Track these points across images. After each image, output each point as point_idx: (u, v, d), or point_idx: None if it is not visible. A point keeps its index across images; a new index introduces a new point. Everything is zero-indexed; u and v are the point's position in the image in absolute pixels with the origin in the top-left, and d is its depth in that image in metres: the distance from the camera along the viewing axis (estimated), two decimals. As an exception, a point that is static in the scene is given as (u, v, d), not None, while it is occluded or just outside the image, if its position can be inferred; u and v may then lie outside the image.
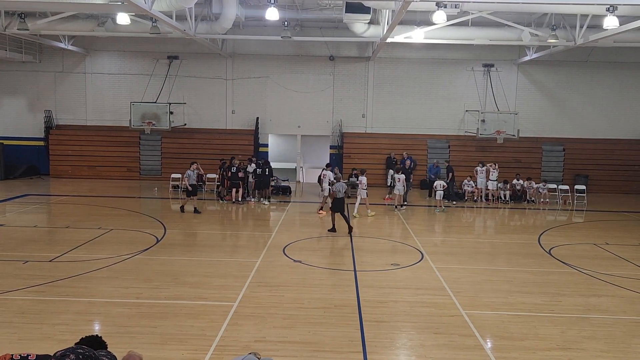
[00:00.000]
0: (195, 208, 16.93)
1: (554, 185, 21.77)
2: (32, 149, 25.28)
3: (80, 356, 3.37)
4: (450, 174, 20.46)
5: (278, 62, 24.80)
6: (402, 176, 18.52)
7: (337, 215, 14.53)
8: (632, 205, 20.78)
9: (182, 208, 17.21)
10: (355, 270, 10.76)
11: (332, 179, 17.47)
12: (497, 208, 19.76)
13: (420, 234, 14.78)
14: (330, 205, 15.21)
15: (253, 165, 19.76)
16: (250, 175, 19.58)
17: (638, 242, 14.17)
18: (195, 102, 25.02)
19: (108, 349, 3.69)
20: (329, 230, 14.51)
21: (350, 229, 14.32)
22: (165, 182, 22.76)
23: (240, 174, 19.03)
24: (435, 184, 19.20)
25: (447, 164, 21.15)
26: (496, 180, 20.53)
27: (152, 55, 24.70)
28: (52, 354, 3.48)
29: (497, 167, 20.83)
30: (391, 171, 20.52)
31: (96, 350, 3.53)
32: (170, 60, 24.72)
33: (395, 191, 18.57)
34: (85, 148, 24.56)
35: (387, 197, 20.29)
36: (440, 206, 18.54)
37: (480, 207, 19.52)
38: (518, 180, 21.17)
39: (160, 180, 23.83)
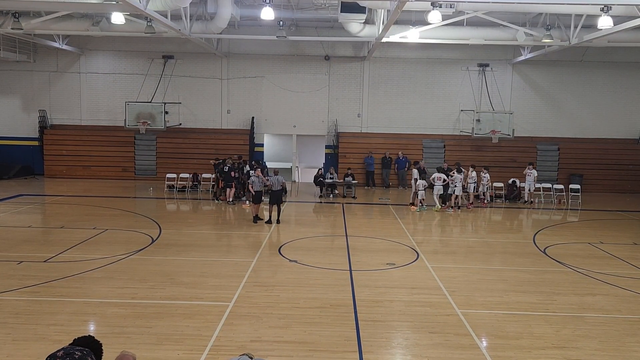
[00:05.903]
0: (256, 215, 15.76)
1: (548, 185, 21.84)
2: (26, 149, 25.15)
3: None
4: (460, 176, 19.82)
5: (273, 62, 24.77)
6: (456, 176, 18.44)
7: (273, 207, 15.78)
8: (626, 204, 20.86)
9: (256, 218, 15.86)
10: (350, 270, 10.76)
11: (417, 176, 18.94)
12: (492, 208, 19.81)
13: (415, 233, 14.81)
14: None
15: (247, 167, 19.72)
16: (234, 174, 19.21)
17: (632, 241, 14.24)
18: (190, 101, 24.96)
19: (102, 349, 3.66)
20: (264, 222, 15.57)
21: (278, 222, 15.45)
22: (160, 182, 22.71)
23: (233, 174, 18.93)
24: (432, 176, 18.74)
25: (449, 166, 20.44)
26: (474, 183, 19.38)
27: (147, 55, 24.63)
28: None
29: (468, 171, 19.53)
30: (437, 175, 18.90)
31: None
32: (165, 59, 24.65)
33: (450, 192, 18.51)
34: (80, 148, 24.45)
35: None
36: (439, 205, 18.40)
37: (476, 207, 19.53)
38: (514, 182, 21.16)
39: (156, 180, 23.77)
